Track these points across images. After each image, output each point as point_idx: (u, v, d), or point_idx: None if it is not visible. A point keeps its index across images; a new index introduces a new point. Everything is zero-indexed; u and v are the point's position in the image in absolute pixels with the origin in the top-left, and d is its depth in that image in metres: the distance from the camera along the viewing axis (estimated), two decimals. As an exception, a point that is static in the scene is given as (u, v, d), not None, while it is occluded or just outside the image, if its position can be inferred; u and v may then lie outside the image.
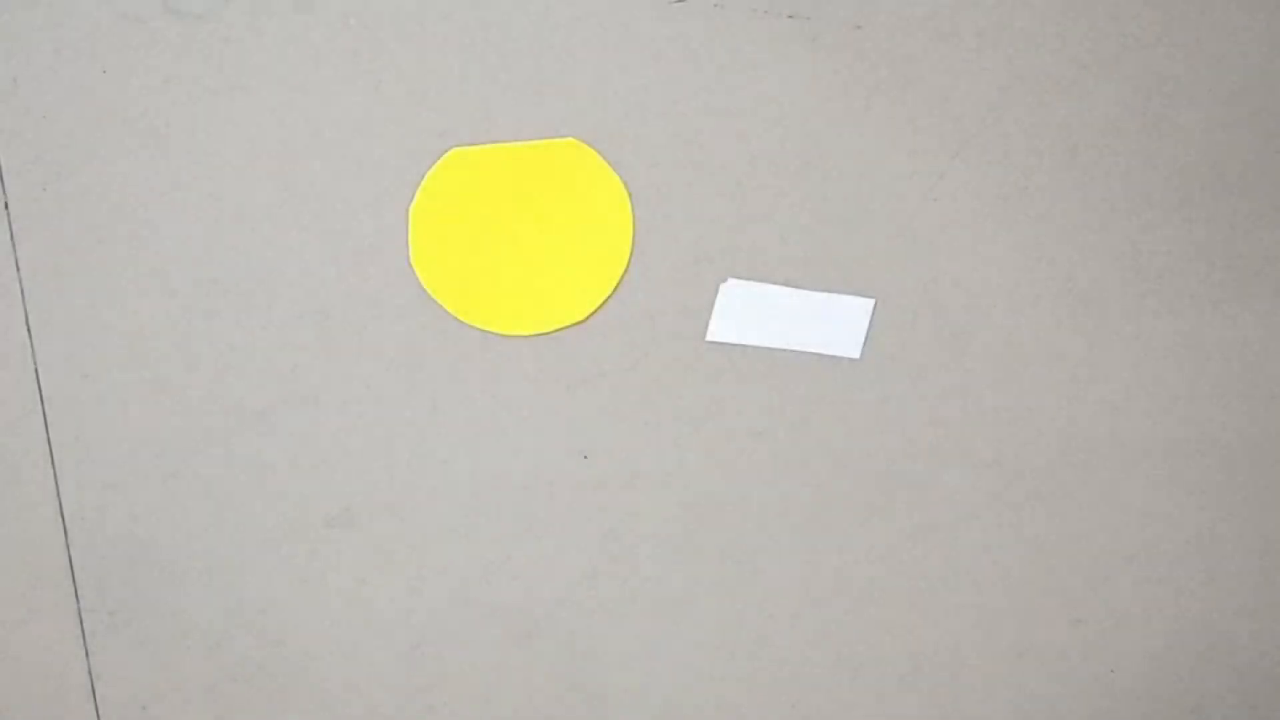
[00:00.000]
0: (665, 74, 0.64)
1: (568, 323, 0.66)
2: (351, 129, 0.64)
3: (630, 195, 0.66)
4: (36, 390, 0.66)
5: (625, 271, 0.66)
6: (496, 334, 0.66)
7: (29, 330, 0.65)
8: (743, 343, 0.67)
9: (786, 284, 0.67)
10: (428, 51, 0.64)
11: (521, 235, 0.66)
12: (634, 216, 0.66)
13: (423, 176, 0.65)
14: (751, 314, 0.66)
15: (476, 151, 0.65)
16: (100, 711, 0.68)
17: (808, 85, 0.65)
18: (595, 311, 0.66)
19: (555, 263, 0.66)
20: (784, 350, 0.67)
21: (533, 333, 0.66)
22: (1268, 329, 0.68)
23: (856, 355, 0.67)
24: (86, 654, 0.68)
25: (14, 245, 0.65)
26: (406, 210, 0.65)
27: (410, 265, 0.65)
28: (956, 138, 0.66)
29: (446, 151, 0.65)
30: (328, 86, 0.64)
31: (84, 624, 0.68)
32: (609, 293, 0.66)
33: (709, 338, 0.67)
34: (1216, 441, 0.69)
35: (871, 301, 0.67)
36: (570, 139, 0.65)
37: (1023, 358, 0.68)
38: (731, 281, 0.66)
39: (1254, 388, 0.69)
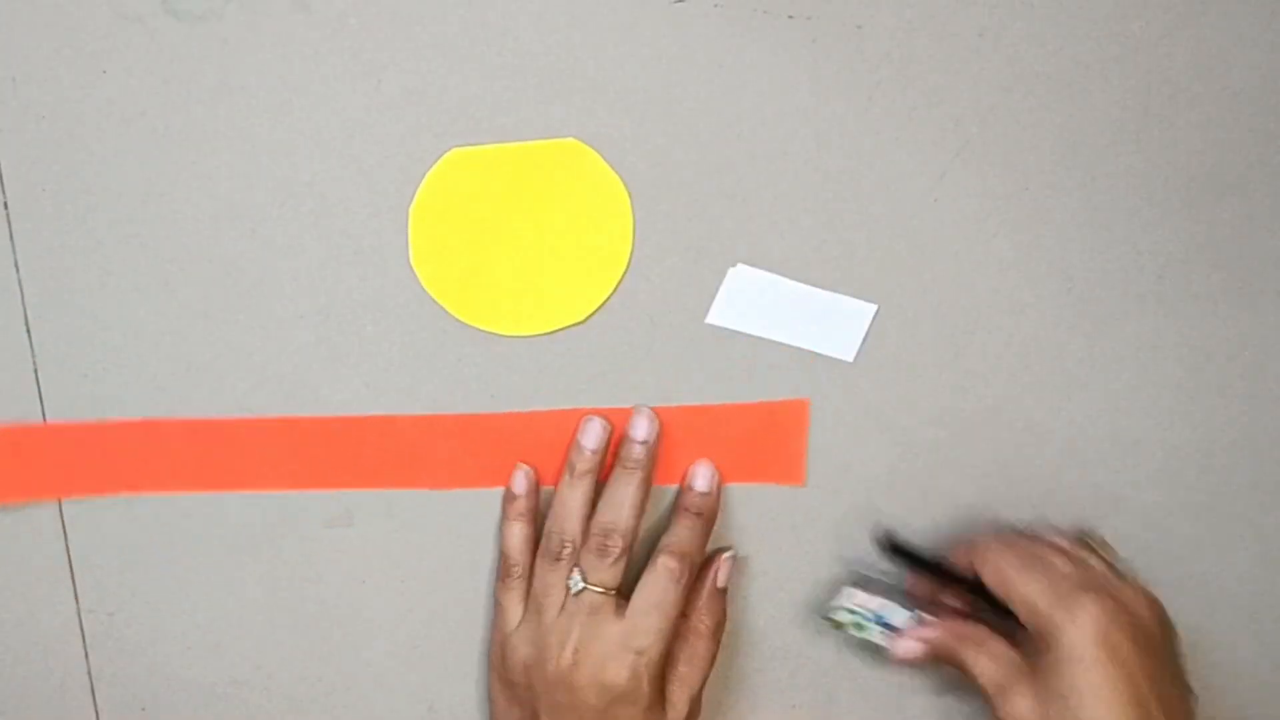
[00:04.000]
0: (665, 74, 0.64)
1: (568, 323, 0.66)
2: (351, 129, 0.64)
3: (630, 196, 0.66)
4: (36, 390, 0.66)
5: (625, 272, 0.66)
6: (496, 334, 0.66)
7: (29, 330, 0.65)
8: (741, 330, 0.67)
9: (787, 284, 0.67)
10: (428, 51, 0.64)
11: (521, 236, 0.66)
12: (634, 217, 0.66)
13: (423, 177, 0.65)
14: (755, 303, 0.67)
15: (476, 152, 0.65)
16: (100, 711, 0.68)
17: (808, 85, 0.65)
18: (595, 312, 0.66)
19: (555, 263, 0.66)
20: (779, 344, 0.67)
21: (532, 333, 0.66)
22: (1268, 329, 0.68)
23: (850, 359, 0.68)
24: (86, 654, 0.68)
25: (14, 245, 0.65)
26: (406, 210, 0.65)
27: (410, 266, 0.65)
28: (956, 138, 0.66)
29: (446, 152, 0.65)
30: (328, 86, 0.64)
31: (84, 624, 0.68)
32: (609, 294, 0.66)
33: (709, 320, 0.67)
34: (1216, 441, 0.69)
35: (874, 307, 0.67)
36: (570, 139, 0.65)
37: (1023, 358, 0.68)
38: (740, 267, 0.66)
39: (1254, 388, 0.69)
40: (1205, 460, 0.70)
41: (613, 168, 0.65)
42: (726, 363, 0.67)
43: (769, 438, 0.67)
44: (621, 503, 0.65)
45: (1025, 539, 0.66)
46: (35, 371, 0.66)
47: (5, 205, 0.64)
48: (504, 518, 0.67)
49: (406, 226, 0.65)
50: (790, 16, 0.65)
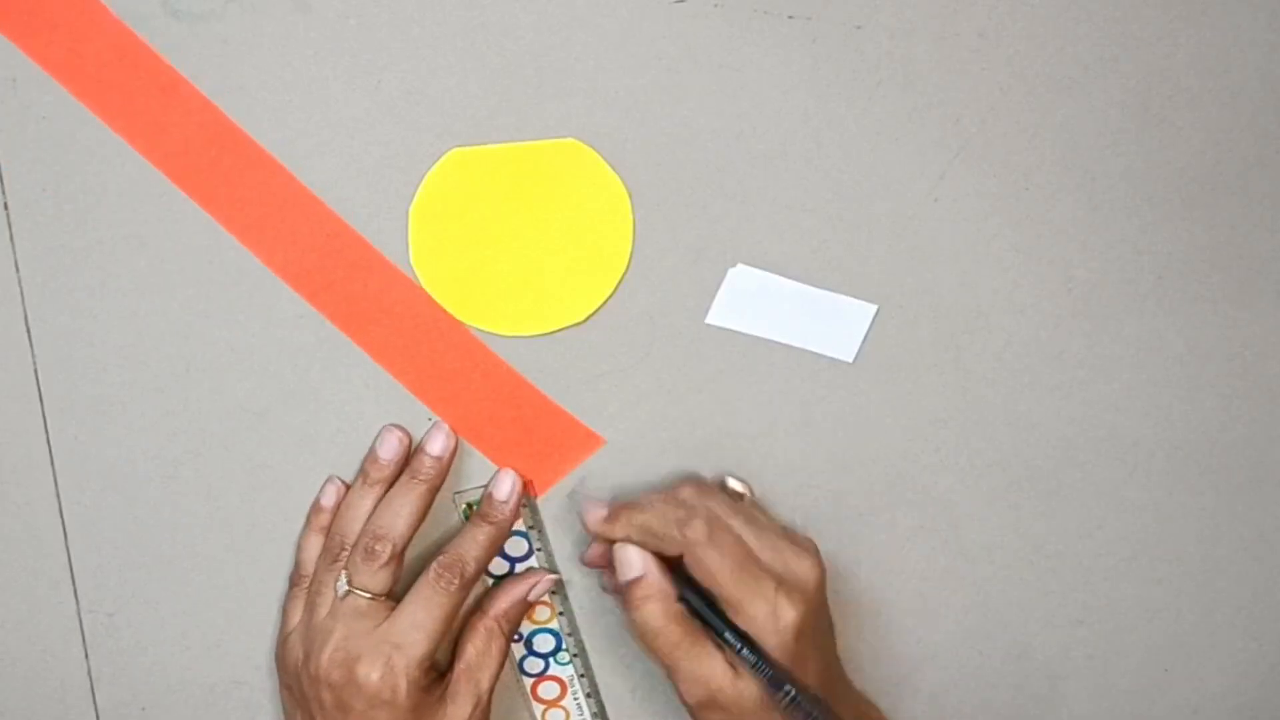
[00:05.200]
0: (665, 74, 0.64)
1: (568, 323, 0.66)
2: (351, 129, 0.64)
3: (630, 196, 0.66)
4: (36, 390, 0.66)
5: (626, 272, 0.66)
6: (496, 334, 0.66)
7: (29, 330, 0.65)
8: (741, 330, 0.67)
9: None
10: (427, 52, 0.64)
11: (522, 236, 0.66)
12: (634, 217, 0.66)
13: (422, 177, 0.65)
14: (755, 303, 0.67)
15: (476, 152, 0.65)
16: (100, 712, 0.68)
17: (808, 85, 0.65)
18: (595, 312, 0.66)
19: (556, 263, 0.66)
20: (779, 344, 0.67)
21: (533, 334, 0.66)
22: (1268, 329, 0.68)
23: (850, 359, 0.68)
24: (86, 654, 0.68)
25: (14, 245, 0.65)
26: (406, 211, 0.65)
27: (411, 266, 0.65)
28: (956, 138, 0.66)
29: (446, 152, 0.65)
30: (327, 87, 0.64)
31: (84, 624, 0.68)
32: (609, 294, 0.66)
33: (708, 320, 0.67)
34: (1216, 441, 0.69)
35: (874, 308, 0.67)
36: (570, 140, 0.65)
37: (1023, 358, 0.68)
38: (740, 267, 0.66)
39: (1254, 388, 0.69)
40: (1205, 460, 0.70)
41: (612, 168, 0.65)
42: (726, 363, 0.67)
43: (546, 443, 0.67)
44: (398, 511, 0.64)
45: (720, 526, 0.63)
46: (35, 371, 0.66)
47: (5, 205, 0.64)
48: (306, 527, 0.67)
49: (406, 226, 0.65)
50: (790, 16, 0.65)
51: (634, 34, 0.64)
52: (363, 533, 0.64)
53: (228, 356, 0.66)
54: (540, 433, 0.67)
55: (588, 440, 0.67)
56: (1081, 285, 0.68)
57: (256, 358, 0.66)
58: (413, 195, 0.65)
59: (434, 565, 0.64)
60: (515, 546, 0.68)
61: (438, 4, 0.63)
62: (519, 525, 0.67)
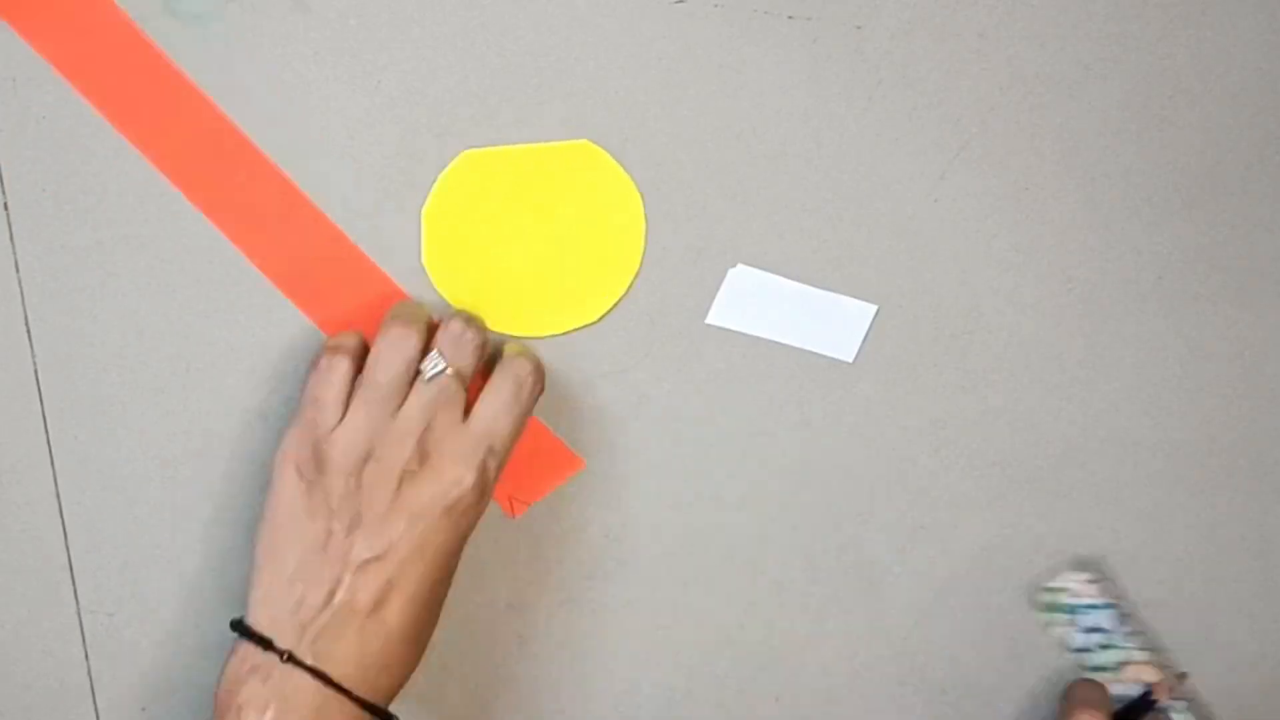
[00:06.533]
0: (664, 75, 0.64)
1: (581, 324, 0.66)
2: (352, 130, 0.64)
3: (642, 196, 0.65)
4: (36, 390, 0.66)
5: (638, 272, 0.66)
6: (510, 336, 0.66)
7: (29, 330, 0.65)
8: (741, 330, 0.67)
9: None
10: (427, 52, 0.64)
11: (535, 237, 0.65)
12: (646, 218, 0.66)
13: (426, 178, 0.65)
14: (755, 303, 0.67)
15: (488, 153, 0.65)
16: (100, 712, 0.68)
17: (808, 85, 0.65)
18: (609, 312, 0.66)
19: (568, 264, 0.66)
20: (779, 344, 0.67)
21: (546, 334, 0.66)
22: (1268, 329, 0.68)
23: (850, 359, 0.68)
24: (86, 654, 0.68)
25: (14, 245, 0.64)
26: (414, 213, 0.65)
27: (423, 266, 0.65)
28: (956, 138, 0.66)
29: (448, 153, 0.65)
30: (328, 88, 0.64)
31: (84, 624, 0.68)
32: (623, 293, 0.66)
33: (708, 320, 0.67)
34: (1216, 441, 0.69)
35: (874, 308, 0.67)
36: (583, 140, 0.65)
37: (1023, 358, 0.68)
38: (740, 267, 0.66)
39: (1254, 388, 0.69)
40: (1205, 460, 0.70)
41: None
42: (726, 363, 0.67)
43: (527, 463, 0.67)
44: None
45: None
46: (35, 372, 0.66)
47: (5, 205, 0.64)
48: (326, 356, 0.60)
49: (415, 228, 0.65)
50: (790, 17, 0.65)
51: (633, 34, 0.64)
52: (446, 319, 0.59)
53: (228, 356, 0.66)
54: (521, 450, 0.67)
55: (568, 462, 0.67)
56: (1081, 285, 0.68)
57: (256, 358, 0.66)
58: (415, 196, 0.65)
59: (517, 364, 0.58)
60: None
61: (438, 4, 0.63)
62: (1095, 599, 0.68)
